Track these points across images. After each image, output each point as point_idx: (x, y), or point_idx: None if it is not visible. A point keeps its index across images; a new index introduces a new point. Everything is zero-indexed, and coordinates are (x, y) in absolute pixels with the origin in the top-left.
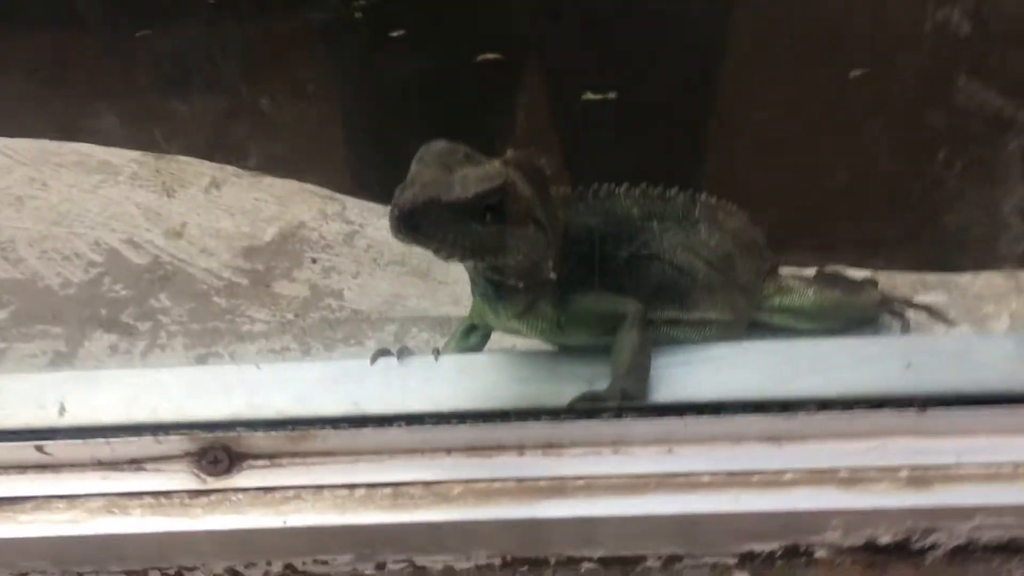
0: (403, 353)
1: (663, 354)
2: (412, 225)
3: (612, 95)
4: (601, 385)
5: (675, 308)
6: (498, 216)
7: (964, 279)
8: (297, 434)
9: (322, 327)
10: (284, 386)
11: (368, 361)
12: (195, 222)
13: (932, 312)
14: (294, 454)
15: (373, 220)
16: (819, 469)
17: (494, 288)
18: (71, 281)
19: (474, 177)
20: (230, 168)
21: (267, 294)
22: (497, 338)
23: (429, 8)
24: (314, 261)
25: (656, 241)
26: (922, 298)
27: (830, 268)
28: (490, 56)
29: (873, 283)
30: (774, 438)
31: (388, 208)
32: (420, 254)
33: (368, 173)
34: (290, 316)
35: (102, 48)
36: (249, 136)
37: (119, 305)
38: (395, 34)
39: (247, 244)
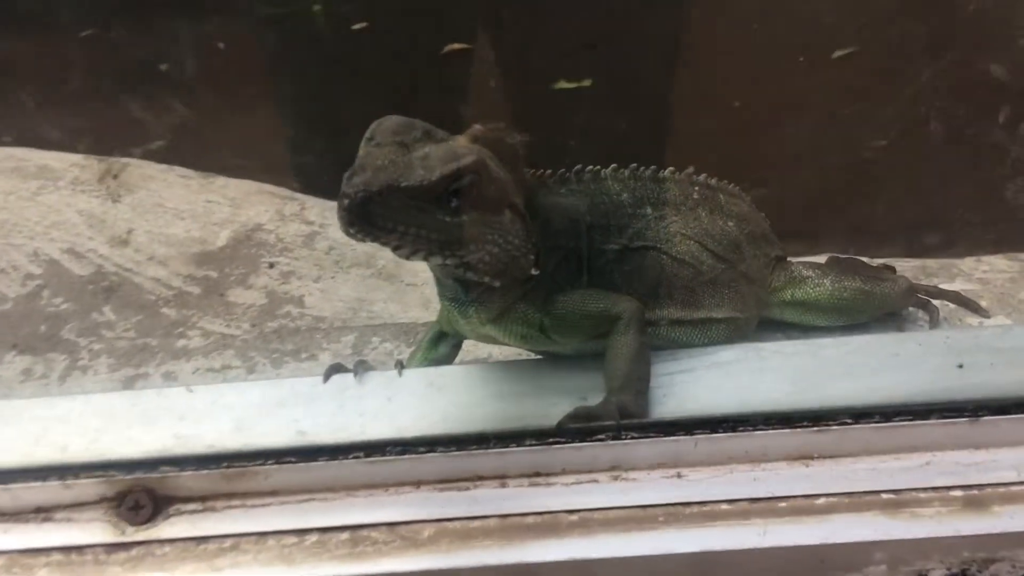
0: (361, 368)
1: (664, 360)
2: (365, 217)
3: (587, 83)
4: (594, 400)
5: (677, 306)
6: (469, 202)
7: (966, 264)
8: (234, 471)
9: (269, 339)
10: (220, 413)
11: (320, 379)
12: (142, 228)
13: (964, 301)
14: (231, 495)
15: (334, 220)
16: (858, 492)
17: (465, 289)
18: (6, 296)
19: (438, 156)
20: (179, 169)
21: (221, 303)
22: (470, 347)
23: None
24: (271, 266)
25: (651, 229)
26: (947, 286)
27: (839, 257)
28: (457, 46)
29: (891, 269)
30: (803, 456)
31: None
32: (388, 254)
33: (328, 170)
34: (243, 327)
35: (42, 47)
36: (201, 135)
37: (59, 320)
38: (357, 27)
39: (199, 250)
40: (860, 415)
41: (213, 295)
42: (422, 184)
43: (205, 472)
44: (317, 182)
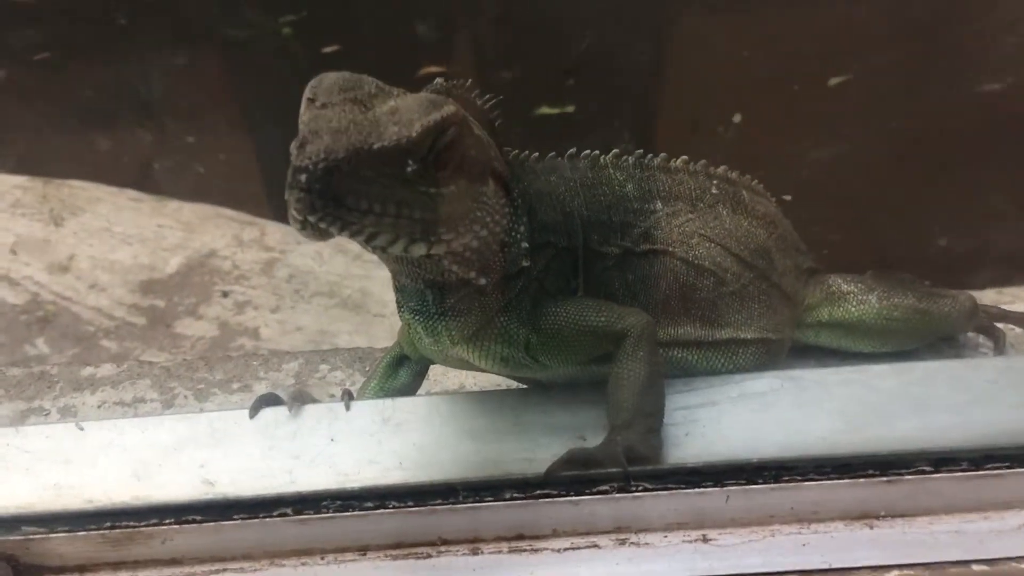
0: (297, 400)
1: (680, 391)
2: (331, 196)
3: (570, 108)
4: (594, 440)
5: (695, 324)
6: (453, 166)
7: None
8: (122, 533)
9: (194, 367)
10: (114, 456)
11: (246, 413)
12: (85, 254)
13: None
14: (117, 565)
15: (296, 246)
16: (940, 563)
17: (437, 295)
18: None
19: (411, 108)
20: (131, 192)
21: (167, 335)
22: (438, 374)
23: (364, 21)
24: (225, 295)
25: (662, 229)
26: (1008, 306)
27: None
28: (432, 69)
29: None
30: (866, 515)
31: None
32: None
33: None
34: (163, 358)
35: None
36: (155, 158)
37: None
38: (328, 50)
39: (146, 277)
40: (941, 461)
41: (159, 326)
42: (401, 143)
43: (83, 534)
44: (281, 207)
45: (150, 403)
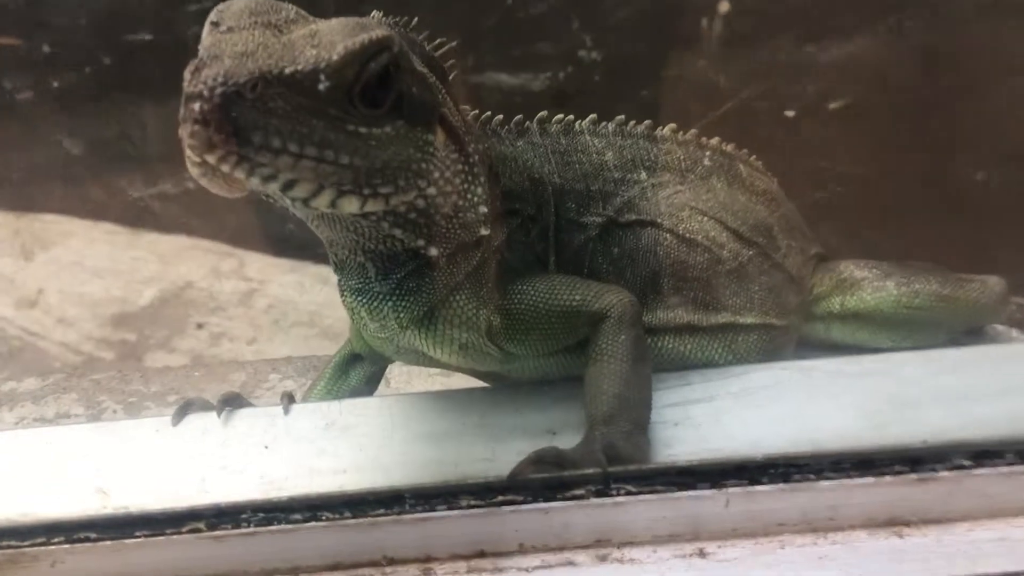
0: (230, 404)
1: (672, 385)
2: (232, 128)
3: None
4: (570, 439)
5: (687, 306)
6: (389, 102)
7: None
8: (3, 555)
9: (128, 379)
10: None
11: (168, 420)
12: (55, 287)
13: None
14: None
15: (277, 275)
16: None
17: (378, 268)
18: None
19: (334, 30)
20: (107, 224)
21: (137, 369)
22: (402, 382)
23: None
24: (200, 327)
25: (648, 200)
26: None
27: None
28: None
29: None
30: (895, 521)
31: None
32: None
33: (273, 223)
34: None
35: None
36: (131, 188)
37: None
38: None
39: (117, 311)
40: (982, 454)
41: (129, 360)
42: (319, 67)
43: None
44: (261, 236)
45: (75, 419)
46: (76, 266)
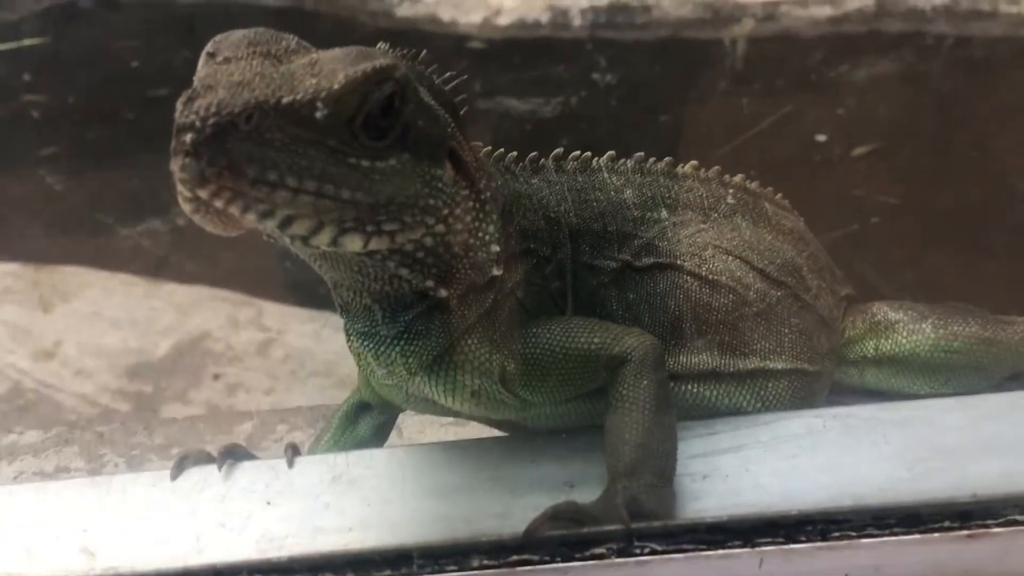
0: (232, 456)
1: (697, 435)
2: (226, 161)
3: None
4: (589, 493)
5: (712, 351)
6: (394, 135)
7: None
8: None
9: (132, 431)
10: None
11: (167, 475)
12: (73, 340)
13: None
14: None
15: (295, 325)
16: None
17: (385, 311)
18: None
19: (336, 59)
20: (124, 276)
21: (154, 420)
22: (413, 432)
23: None
24: (217, 377)
25: (669, 240)
26: None
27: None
28: None
29: None
30: None
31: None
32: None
33: (292, 271)
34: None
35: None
36: (150, 239)
37: None
38: None
39: (134, 362)
40: None
41: (145, 412)
42: (318, 97)
43: None
44: (279, 285)
45: (75, 472)
46: (94, 317)
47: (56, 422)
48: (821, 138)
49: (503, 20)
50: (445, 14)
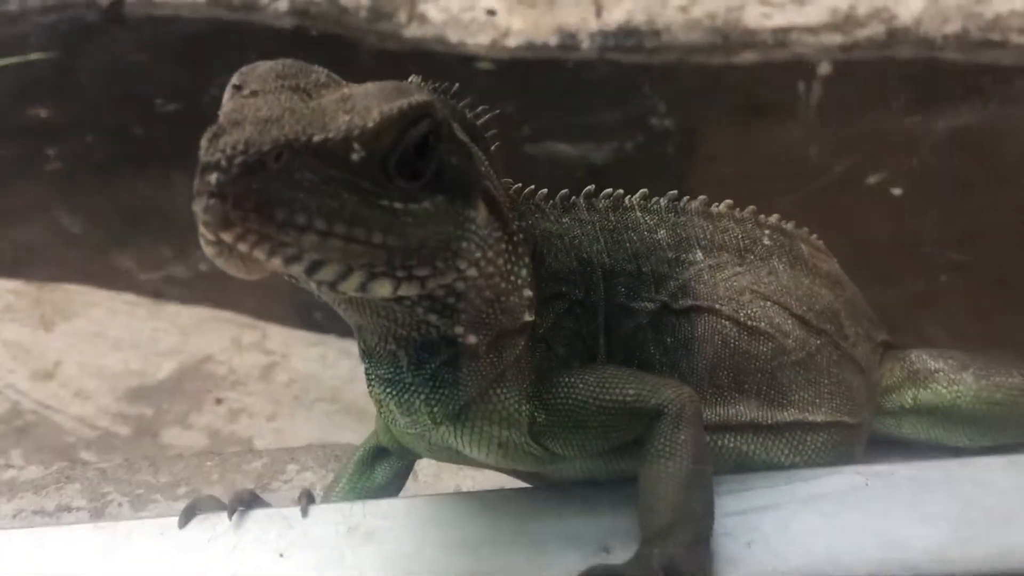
0: (243, 503)
1: (733, 490)
2: (253, 203)
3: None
4: (622, 553)
5: (750, 402)
6: (429, 175)
7: None
8: None
9: (136, 469)
10: None
11: (174, 521)
12: (73, 360)
13: None
14: None
15: (299, 349)
16: None
17: (410, 357)
18: None
19: (370, 94)
20: (127, 295)
21: (153, 445)
22: (429, 475)
23: None
24: (219, 402)
25: (704, 282)
26: None
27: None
28: None
29: None
30: None
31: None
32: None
33: (299, 293)
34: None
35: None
36: (154, 258)
37: None
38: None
39: (135, 384)
40: None
41: (144, 436)
42: (352, 136)
43: None
44: (284, 308)
45: (76, 512)
46: (96, 337)
47: (53, 445)
48: (896, 192)
49: (511, 42)
50: (453, 35)
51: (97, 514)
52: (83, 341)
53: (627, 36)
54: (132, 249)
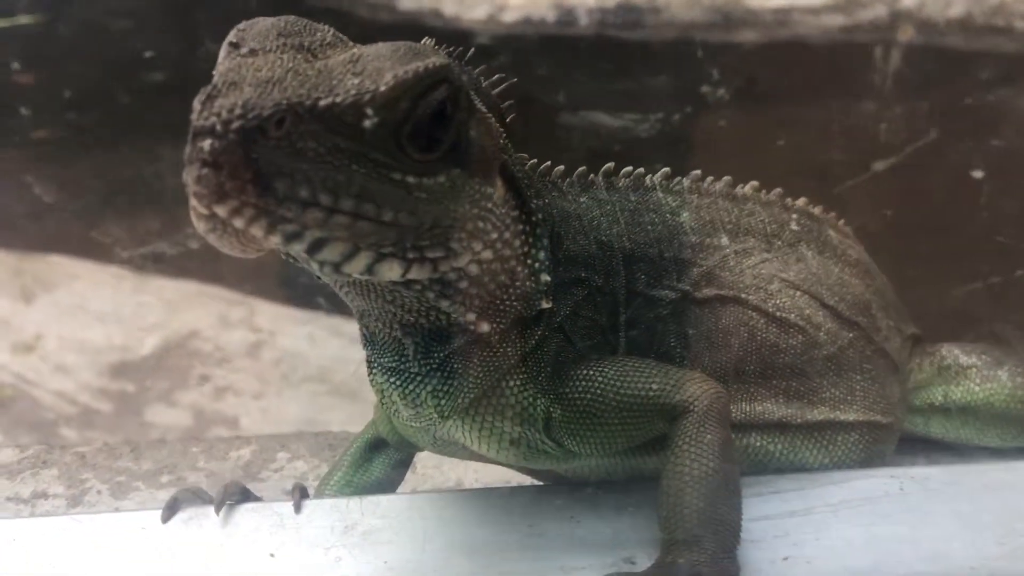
0: (231, 497)
1: (759, 493)
2: (251, 174)
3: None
4: (643, 560)
5: (778, 399)
6: (445, 146)
7: None
8: None
9: (117, 454)
10: None
11: (158, 515)
12: (54, 333)
13: None
14: None
15: (288, 327)
16: None
17: (417, 345)
18: None
19: (382, 55)
20: (113, 268)
21: (135, 423)
22: (429, 468)
23: None
24: (204, 379)
25: (730, 269)
26: None
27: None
28: None
29: None
30: None
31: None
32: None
33: (290, 268)
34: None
35: None
36: (141, 231)
37: None
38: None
39: (117, 359)
40: None
41: (127, 414)
42: (362, 100)
43: None
44: (272, 284)
45: (52, 499)
46: (78, 310)
47: (32, 421)
48: (977, 174)
49: (508, 16)
50: (449, 8)
51: (74, 502)
52: (64, 314)
53: (627, 12)
54: (117, 220)
